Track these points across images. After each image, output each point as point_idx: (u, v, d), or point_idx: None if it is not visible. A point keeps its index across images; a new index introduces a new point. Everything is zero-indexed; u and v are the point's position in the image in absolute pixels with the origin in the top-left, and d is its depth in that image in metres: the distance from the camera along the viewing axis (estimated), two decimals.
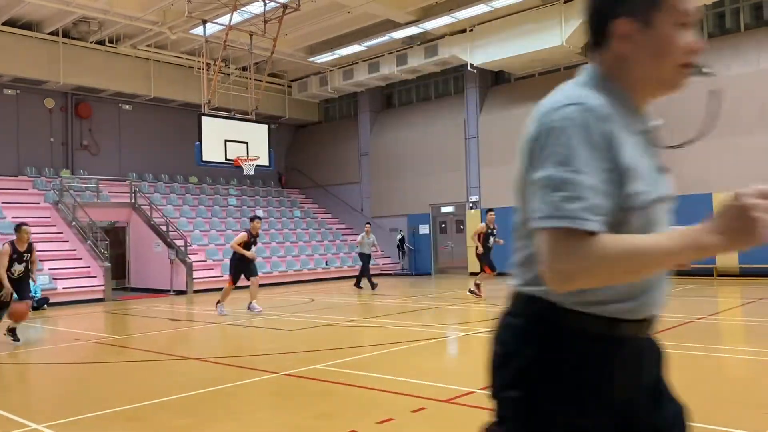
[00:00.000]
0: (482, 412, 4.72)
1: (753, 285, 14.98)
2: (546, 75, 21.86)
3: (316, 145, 28.79)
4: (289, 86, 26.86)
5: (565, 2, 18.39)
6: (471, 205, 23.01)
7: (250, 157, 19.14)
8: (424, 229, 24.56)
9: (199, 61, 20.62)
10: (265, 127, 20.30)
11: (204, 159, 18.35)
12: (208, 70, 19.53)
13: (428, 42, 21.74)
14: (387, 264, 24.91)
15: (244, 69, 22.41)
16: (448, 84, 24.82)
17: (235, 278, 12.31)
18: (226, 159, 18.85)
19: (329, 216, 27.57)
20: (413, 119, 25.17)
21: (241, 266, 12.20)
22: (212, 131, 18.56)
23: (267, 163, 19.93)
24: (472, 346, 8.32)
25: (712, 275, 17.22)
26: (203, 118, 18.53)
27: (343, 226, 26.94)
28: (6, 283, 8.85)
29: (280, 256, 22.09)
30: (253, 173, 19.60)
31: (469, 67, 21.03)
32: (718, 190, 16.89)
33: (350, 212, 27.17)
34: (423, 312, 12.19)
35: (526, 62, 20.57)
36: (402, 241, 24.58)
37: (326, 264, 22.86)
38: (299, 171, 29.33)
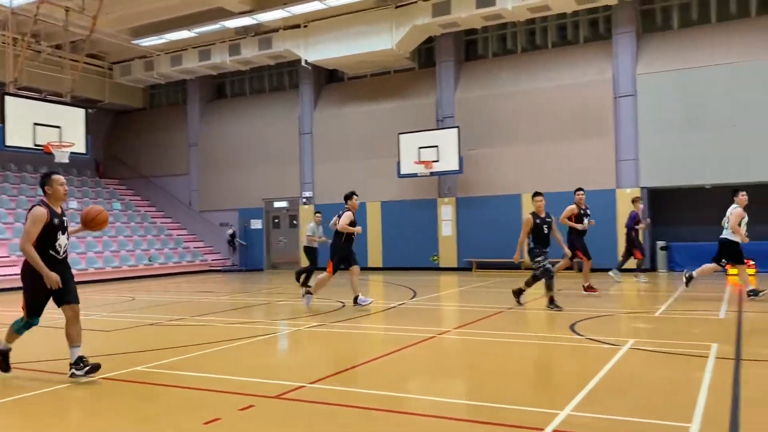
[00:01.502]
0: (312, 406, 4.80)
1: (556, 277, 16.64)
2: (377, 77, 22.53)
3: (140, 132, 27.10)
4: (110, 69, 24.96)
5: (396, 7, 19.07)
6: (304, 200, 23.08)
7: (63, 143, 17.54)
8: (256, 224, 24.18)
9: (3, 35, 18.46)
10: (82, 111, 18.73)
11: (7, 143, 16.53)
12: (14, 45, 17.58)
13: (263, 34, 21.40)
14: (216, 260, 24.19)
15: (58, 47, 20.43)
16: (282, 78, 24.63)
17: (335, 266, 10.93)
18: (35, 144, 17.12)
19: (153, 209, 26.10)
20: (246, 111, 24.65)
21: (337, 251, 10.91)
22: (19, 113, 16.77)
23: (83, 150, 18.42)
24: (303, 341, 8.37)
25: (520, 269, 18.86)
26: (7, 97, 16.68)
27: (168, 220, 25.67)
28: (43, 268, 5.62)
29: (97, 252, 20.52)
30: (66, 161, 17.97)
31: (303, 63, 21.04)
32: (527, 191, 18.71)
33: (177, 205, 25.95)
34: (253, 308, 12.03)
35: (358, 63, 21.02)
36: (233, 236, 24.00)
37: (149, 260, 21.63)
38: (120, 160, 27.43)
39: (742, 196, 10.83)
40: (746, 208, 10.94)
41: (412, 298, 12.66)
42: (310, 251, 15.35)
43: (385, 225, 21.40)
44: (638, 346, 7.05)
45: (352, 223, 10.91)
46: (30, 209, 5.76)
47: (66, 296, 5.78)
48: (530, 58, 19.96)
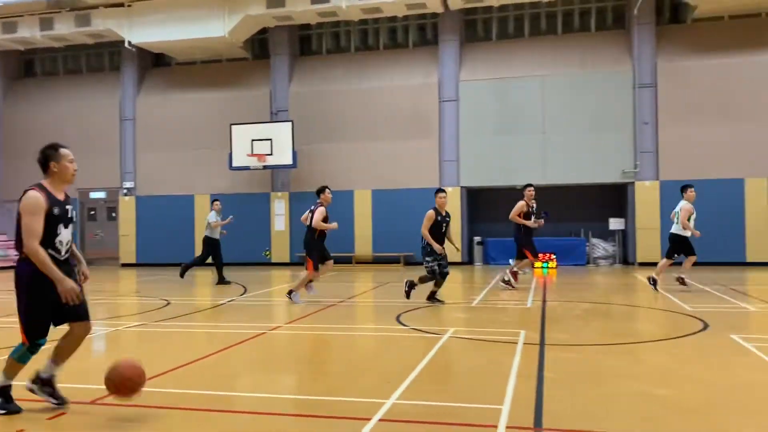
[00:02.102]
0: (131, 410, 4.51)
1: (384, 271, 17.26)
2: (209, 64, 21.74)
3: None
4: None
5: None
6: (125, 191, 21.61)
7: None
8: None
9: None
10: None
11: None
12: None
13: (80, 10, 19.66)
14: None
15: None
16: (102, 59, 22.85)
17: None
18: None
19: None
20: (59, 92, 22.52)
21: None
22: None
23: None
24: (122, 342, 7.86)
25: (352, 263, 19.32)
26: None
27: None
28: (57, 273, 4.33)
29: None
30: None
31: (126, 45, 19.68)
32: (359, 187, 19.30)
33: None
34: None
35: (187, 48, 20.14)
36: None
37: None
38: None
39: (691, 192, 11.30)
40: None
41: (242, 294, 12.41)
42: (211, 243, 14.30)
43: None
44: (457, 334, 7.54)
45: (326, 219, 10.45)
46: (22, 194, 4.39)
47: (78, 310, 4.47)
48: (363, 58, 20.45)
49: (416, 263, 13.31)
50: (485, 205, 19.94)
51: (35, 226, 4.29)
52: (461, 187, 19.04)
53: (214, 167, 20.67)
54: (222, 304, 10.90)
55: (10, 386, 4.53)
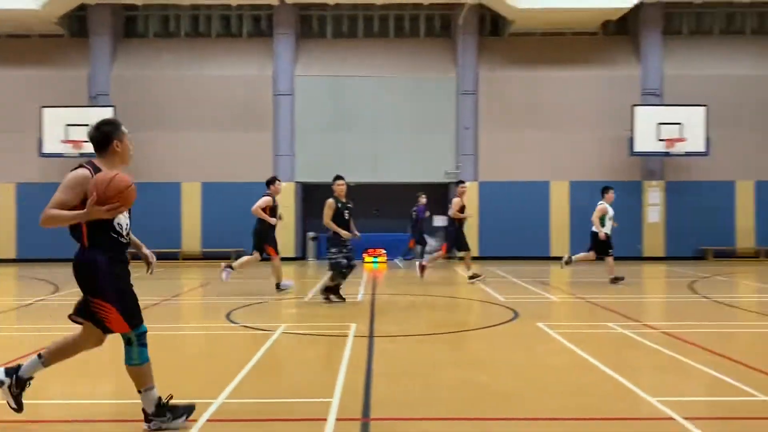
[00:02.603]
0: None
1: (214, 267, 16.71)
2: (17, 38, 19.49)
3: None
4: None
5: None
6: None
7: None
8: None
9: None
10: None
11: None
12: None
13: None
14: None
15: None
16: None
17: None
18: None
19: None
20: None
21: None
22: None
23: None
24: None
25: (178, 259, 18.45)
26: None
27: None
28: (77, 212, 3.83)
29: None
30: None
31: None
32: (186, 180, 18.57)
33: None
34: None
35: None
36: None
37: None
38: None
39: (611, 194, 12.14)
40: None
41: (54, 293, 11.35)
42: None
43: (22, 211, 18.61)
44: (289, 330, 7.53)
45: (273, 210, 10.45)
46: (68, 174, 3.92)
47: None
48: (194, 44, 19.59)
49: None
50: (321, 200, 19.98)
51: (61, 198, 3.80)
52: (296, 182, 18.99)
53: (19, 153, 18.62)
54: (28, 305, 9.89)
55: (159, 397, 4.03)
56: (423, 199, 17.23)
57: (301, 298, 10.51)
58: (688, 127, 17.81)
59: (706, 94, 18.22)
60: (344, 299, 9.72)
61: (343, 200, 9.77)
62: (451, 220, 13.04)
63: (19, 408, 4.08)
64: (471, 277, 12.41)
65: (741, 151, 18.57)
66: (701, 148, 17.90)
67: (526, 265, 16.88)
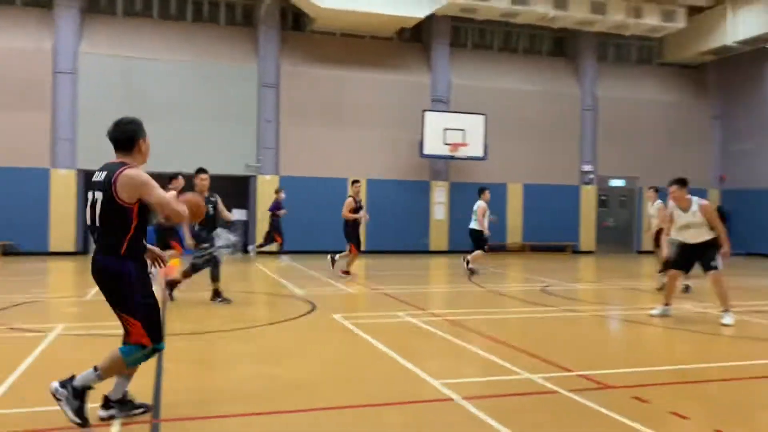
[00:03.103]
0: None
1: None
2: None
3: None
4: None
5: None
6: None
7: None
8: None
9: None
10: None
11: None
12: None
13: None
14: None
15: None
16: None
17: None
18: None
19: None
20: None
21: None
22: None
23: None
24: None
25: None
26: None
27: None
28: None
29: None
30: None
31: None
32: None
33: None
34: None
35: None
36: None
37: None
38: None
39: (487, 194, 13.22)
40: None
41: None
42: None
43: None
44: (68, 331, 6.90)
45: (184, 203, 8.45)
46: (119, 174, 3.90)
47: None
48: None
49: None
50: None
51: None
52: (78, 169, 17.28)
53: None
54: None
55: (91, 388, 3.91)
56: (282, 195, 16.48)
57: (81, 297, 9.64)
58: (470, 134, 19.53)
59: (486, 104, 20.11)
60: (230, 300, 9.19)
61: (206, 194, 9.32)
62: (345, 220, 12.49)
63: (145, 406, 4.09)
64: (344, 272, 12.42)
65: (512, 156, 20.79)
66: (480, 153, 19.72)
67: (319, 258, 17.22)
